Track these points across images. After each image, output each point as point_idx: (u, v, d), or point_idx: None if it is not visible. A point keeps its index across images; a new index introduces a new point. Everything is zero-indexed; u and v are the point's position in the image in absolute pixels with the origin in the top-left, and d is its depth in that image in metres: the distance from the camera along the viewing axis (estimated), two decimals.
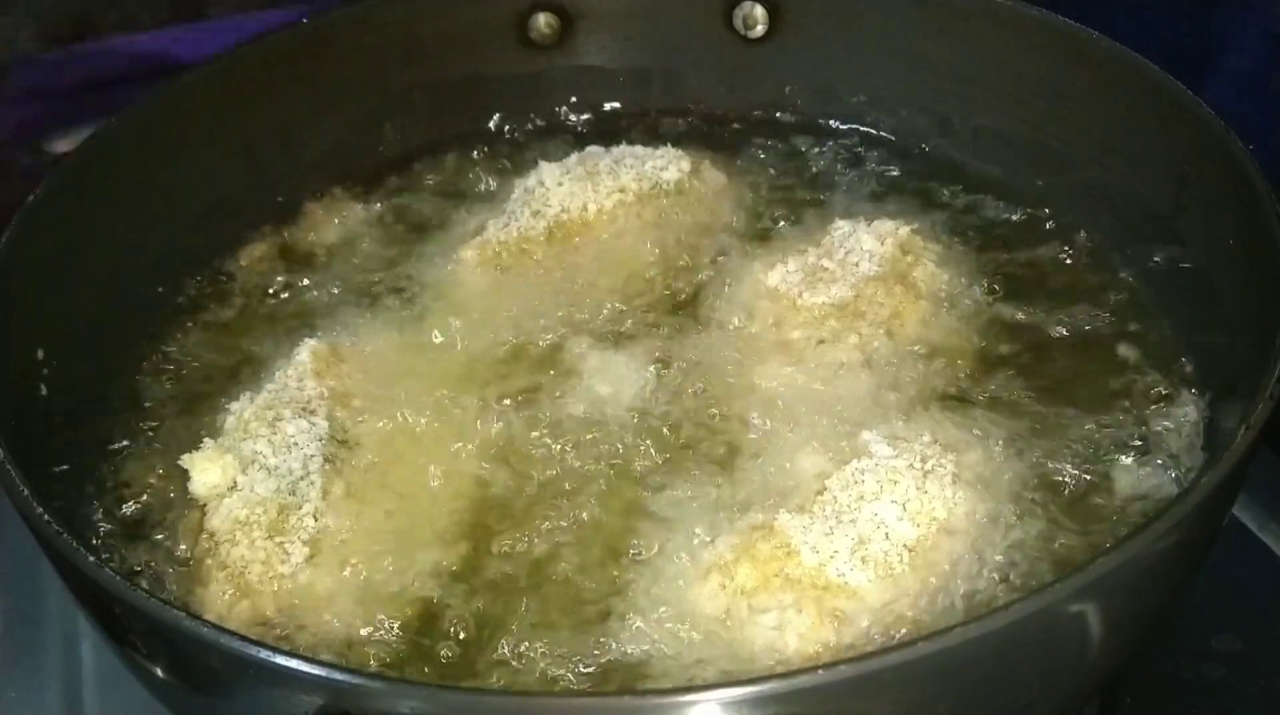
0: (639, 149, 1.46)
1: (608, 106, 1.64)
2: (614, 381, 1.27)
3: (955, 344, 1.28)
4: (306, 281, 1.42)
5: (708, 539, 1.10)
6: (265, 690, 0.90)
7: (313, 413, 1.18)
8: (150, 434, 1.27)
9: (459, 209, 1.50)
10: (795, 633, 1.01)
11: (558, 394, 1.26)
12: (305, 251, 1.46)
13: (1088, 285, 1.35)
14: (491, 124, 1.61)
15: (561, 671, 1.05)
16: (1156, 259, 1.34)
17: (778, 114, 1.60)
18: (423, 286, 1.39)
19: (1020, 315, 1.31)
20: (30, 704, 1.32)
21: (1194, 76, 1.30)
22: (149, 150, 1.39)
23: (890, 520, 1.06)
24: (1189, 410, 1.21)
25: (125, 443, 1.26)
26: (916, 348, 1.26)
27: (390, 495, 1.16)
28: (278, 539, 1.09)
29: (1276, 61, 1.55)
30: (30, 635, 1.38)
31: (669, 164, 1.43)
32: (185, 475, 1.14)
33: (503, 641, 1.07)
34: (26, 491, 1.00)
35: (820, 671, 0.83)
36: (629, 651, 1.05)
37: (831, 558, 1.04)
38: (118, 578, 0.93)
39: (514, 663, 1.06)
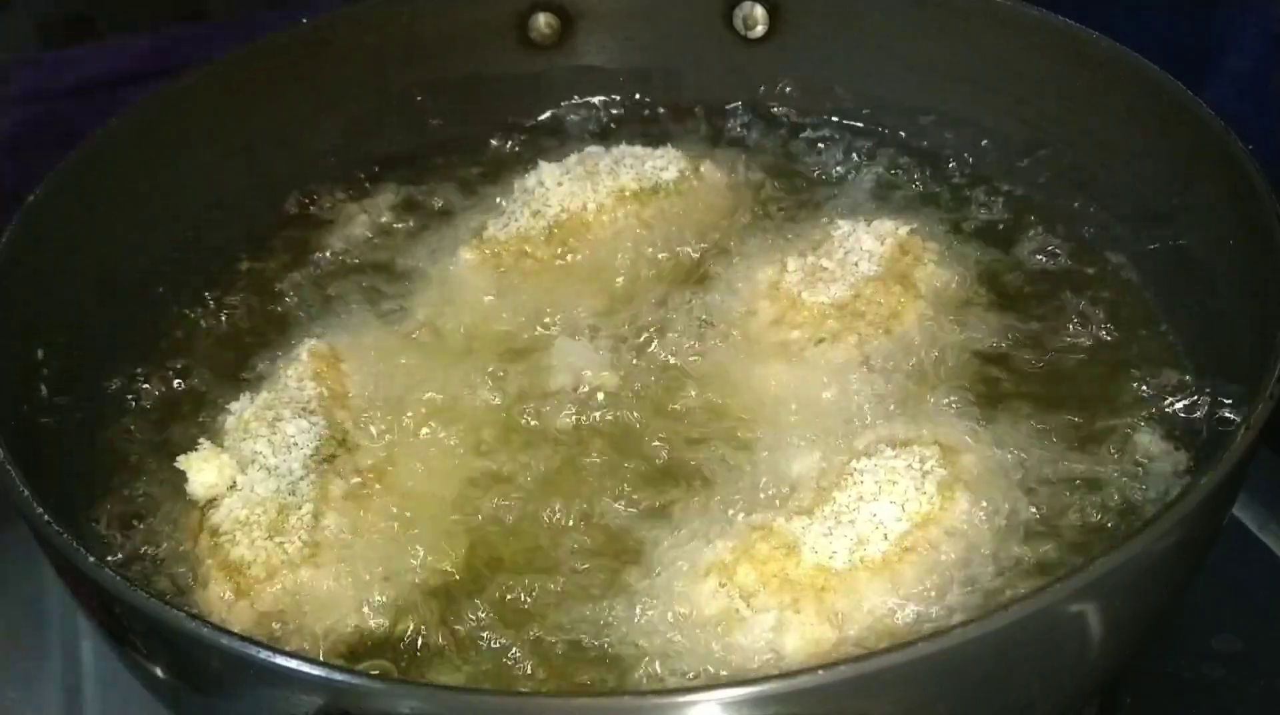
0: (639, 149, 1.45)
1: (608, 107, 1.64)
2: (614, 382, 1.27)
3: (954, 344, 1.28)
4: (307, 281, 1.42)
5: (707, 540, 1.10)
6: (265, 690, 0.90)
7: (312, 413, 1.18)
8: (150, 434, 1.27)
9: (458, 209, 1.50)
10: (794, 633, 1.01)
11: (557, 394, 1.26)
12: (305, 251, 1.46)
13: (1087, 285, 1.35)
14: (491, 124, 1.61)
15: (561, 672, 1.05)
16: (1156, 259, 1.34)
17: (778, 114, 1.60)
18: (423, 286, 1.39)
19: (1019, 315, 1.31)
20: (30, 704, 1.32)
21: (1194, 76, 1.30)
22: (149, 150, 1.39)
23: (889, 520, 1.06)
24: (1188, 410, 1.21)
25: (125, 443, 1.26)
26: (916, 347, 1.26)
27: (390, 495, 1.16)
28: (278, 539, 1.09)
29: (1276, 61, 1.55)
30: (30, 635, 1.38)
31: (669, 164, 1.43)
32: (184, 476, 1.14)
33: (502, 641, 1.07)
34: (26, 491, 1.00)
35: (820, 671, 0.83)
36: (628, 652, 1.05)
37: (830, 558, 1.04)
38: (118, 578, 0.93)
39: (513, 662, 1.06)
